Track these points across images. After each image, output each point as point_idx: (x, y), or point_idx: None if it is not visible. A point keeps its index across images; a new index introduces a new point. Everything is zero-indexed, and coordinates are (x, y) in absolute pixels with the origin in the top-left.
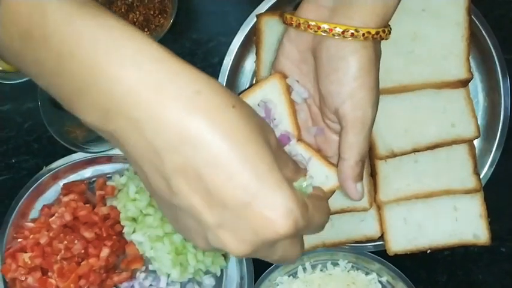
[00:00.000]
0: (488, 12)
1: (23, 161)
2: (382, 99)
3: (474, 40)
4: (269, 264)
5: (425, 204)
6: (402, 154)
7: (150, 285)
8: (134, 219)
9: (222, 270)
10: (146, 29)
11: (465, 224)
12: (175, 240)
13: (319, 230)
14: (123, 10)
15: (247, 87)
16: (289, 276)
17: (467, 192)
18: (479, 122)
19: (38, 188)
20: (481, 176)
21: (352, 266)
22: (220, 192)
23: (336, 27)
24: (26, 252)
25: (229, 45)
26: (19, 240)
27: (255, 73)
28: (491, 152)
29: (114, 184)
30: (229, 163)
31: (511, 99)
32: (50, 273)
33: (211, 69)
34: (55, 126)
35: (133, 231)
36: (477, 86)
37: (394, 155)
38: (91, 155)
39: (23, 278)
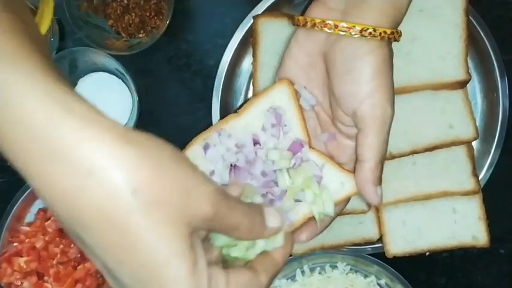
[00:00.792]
0: (486, 13)
1: None
2: None
3: (472, 41)
4: None
5: (424, 206)
6: (400, 156)
7: None
8: None
9: None
10: (142, 31)
11: (464, 225)
12: None
13: None
14: (118, 12)
15: (245, 88)
16: (287, 279)
17: (466, 194)
18: (477, 123)
19: (33, 191)
20: (479, 178)
21: (351, 269)
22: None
23: (354, 26)
24: (21, 257)
25: (225, 47)
26: (14, 244)
27: (252, 75)
28: (489, 153)
29: None
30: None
31: (510, 100)
32: (46, 278)
33: (207, 71)
34: None
35: None
36: (475, 87)
37: (392, 157)
38: None
39: (18, 283)
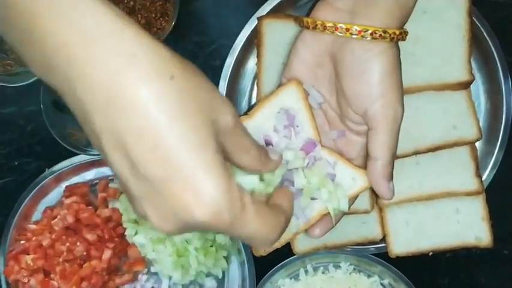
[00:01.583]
0: (489, 14)
1: (26, 163)
2: None
3: (475, 42)
4: (271, 266)
5: (427, 207)
6: (404, 156)
7: (152, 287)
8: (136, 222)
9: (223, 272)
10: (148, 32)
11: (467, 226)
12: (176, 242)
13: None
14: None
15: (249, 88)
16: (291, 278)
17: (469, 194)
18: (481, 124)
19: (40, 190)
20: (483, 178)
21: (354, 269)
22: (141, 164)
23: (367, 30)
24: (28, 254)
25: (230, 48)
26: (22, 242)
27: (257, 75)
28: (493, 154)
29: (117, 186)
30: (153, 135)
31: None
32: (52, 275)
33: (212, 71)
34: (57, 128)
35: (136, 234)
36: (479, 88)
37: (395, 157)
38: (93, 157)
39: (25, 280)
